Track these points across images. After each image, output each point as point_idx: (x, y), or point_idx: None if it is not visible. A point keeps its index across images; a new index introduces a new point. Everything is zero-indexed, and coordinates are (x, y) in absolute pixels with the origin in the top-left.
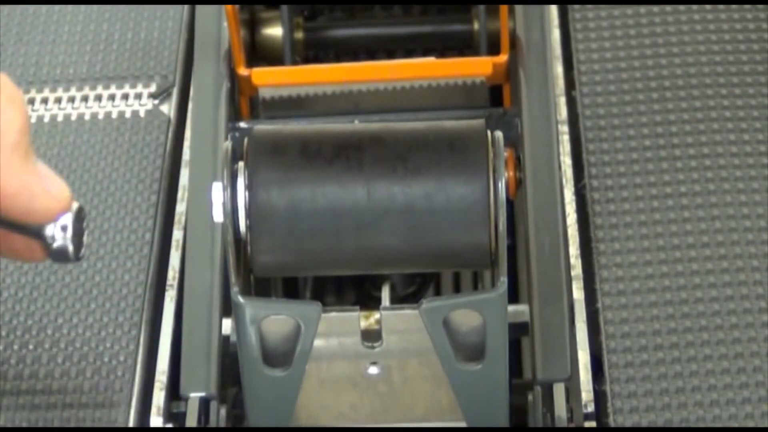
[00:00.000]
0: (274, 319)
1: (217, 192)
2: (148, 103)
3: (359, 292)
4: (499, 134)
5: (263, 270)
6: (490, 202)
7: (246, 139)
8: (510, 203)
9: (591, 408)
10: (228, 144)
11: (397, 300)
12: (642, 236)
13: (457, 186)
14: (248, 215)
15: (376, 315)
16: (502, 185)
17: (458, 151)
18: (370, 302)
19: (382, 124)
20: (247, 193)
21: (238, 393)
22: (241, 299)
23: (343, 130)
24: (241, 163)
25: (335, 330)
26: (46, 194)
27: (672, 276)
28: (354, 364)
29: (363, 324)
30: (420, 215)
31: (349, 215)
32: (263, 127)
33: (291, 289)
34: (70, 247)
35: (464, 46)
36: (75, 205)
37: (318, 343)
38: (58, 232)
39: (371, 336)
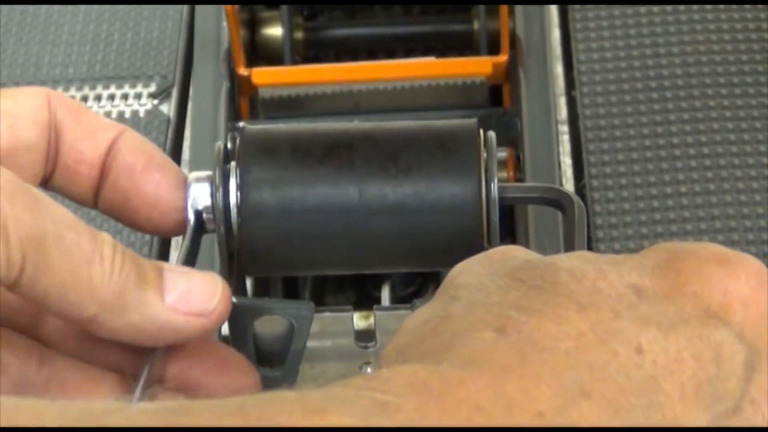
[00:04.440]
0: (268, 319)
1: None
2: (148, 103)
3: (359, 292)
4: (491, 134)
5: (255, 269)
6: (482, 201)
7: (237, 139)
8: (510, 204)
9: None
10: (219, 144)
11: (398, 300)
12: (642, 236)
13: (448, 185)
14: (239, 214)
15: (371, 315)
16: (494, 184)
17: (449, 150)
18: (371, 302)
19: (373, 124)
20: (238, 193)
21: None
22: (234, 299)
23: (334, 129)
24: (233, 163)
25: (329, 330)
26: (192, 319)
27: None
28: (348, 364)
29: (357, 324)
30: (411, 214)
31: (341, 215)
32: (254, 126)
33: (291, 290)
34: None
35: (464, 46)
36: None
37: (312, 343)
38: None
39: (365, 336)
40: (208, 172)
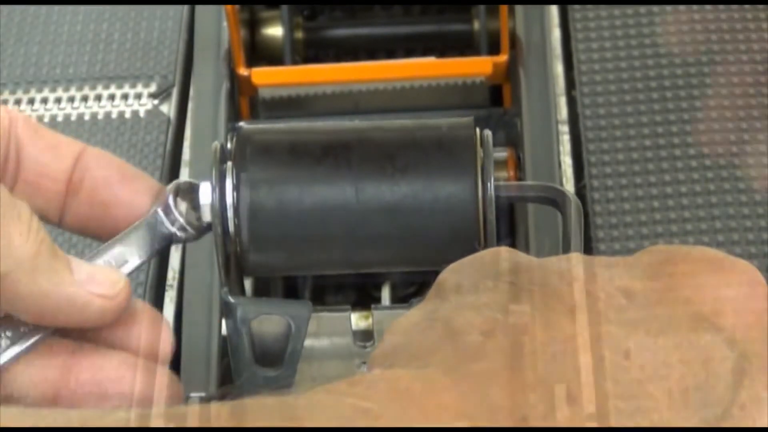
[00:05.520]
0: (266, 318)
1: (205, 192)
2: (148, 103)
3: (359, 292)
4: (488, 132)
5: (253, 270)
6: (479, 201)
7: (234, 139)
8: (510, 203)
9: None
10: (217, 144)
11: (398, 300)
12: (642, 236)
13: (445, 184)
14: (236, 215)
15: (369, 315)
16: (490, 183)
17: (446, 149)
18: (371, 302)
19: (371, 123)
20: (235, 193)
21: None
22: (231, 299)
23: (331, 128)
24: (229, 163)
25: (327, 330)
26: (95, 298)
27: None
28: (346, 364)
29: (355, 324)
30: (408, 214)
31: (338, 214)
32: (251, 126)
33: (291, 290)
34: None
35: (464, 46)
36: (169, 192)
37: (310, 342)
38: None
39: (363, 336)
40: (190, 180)
